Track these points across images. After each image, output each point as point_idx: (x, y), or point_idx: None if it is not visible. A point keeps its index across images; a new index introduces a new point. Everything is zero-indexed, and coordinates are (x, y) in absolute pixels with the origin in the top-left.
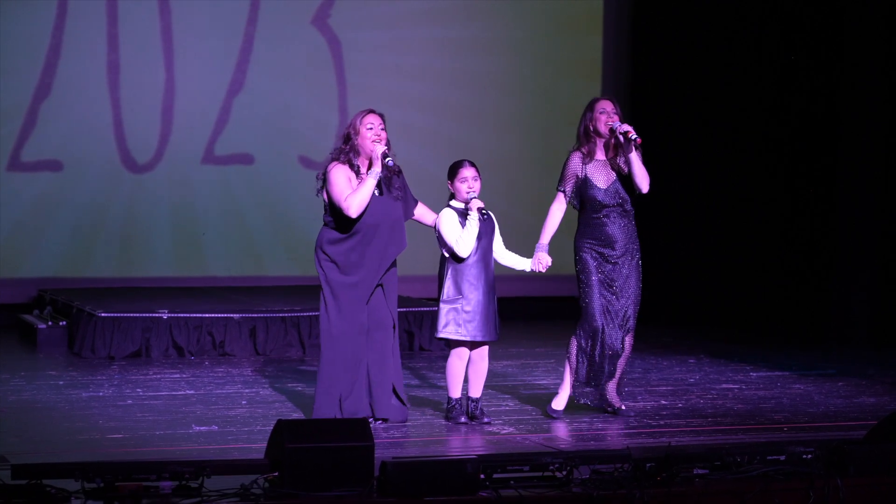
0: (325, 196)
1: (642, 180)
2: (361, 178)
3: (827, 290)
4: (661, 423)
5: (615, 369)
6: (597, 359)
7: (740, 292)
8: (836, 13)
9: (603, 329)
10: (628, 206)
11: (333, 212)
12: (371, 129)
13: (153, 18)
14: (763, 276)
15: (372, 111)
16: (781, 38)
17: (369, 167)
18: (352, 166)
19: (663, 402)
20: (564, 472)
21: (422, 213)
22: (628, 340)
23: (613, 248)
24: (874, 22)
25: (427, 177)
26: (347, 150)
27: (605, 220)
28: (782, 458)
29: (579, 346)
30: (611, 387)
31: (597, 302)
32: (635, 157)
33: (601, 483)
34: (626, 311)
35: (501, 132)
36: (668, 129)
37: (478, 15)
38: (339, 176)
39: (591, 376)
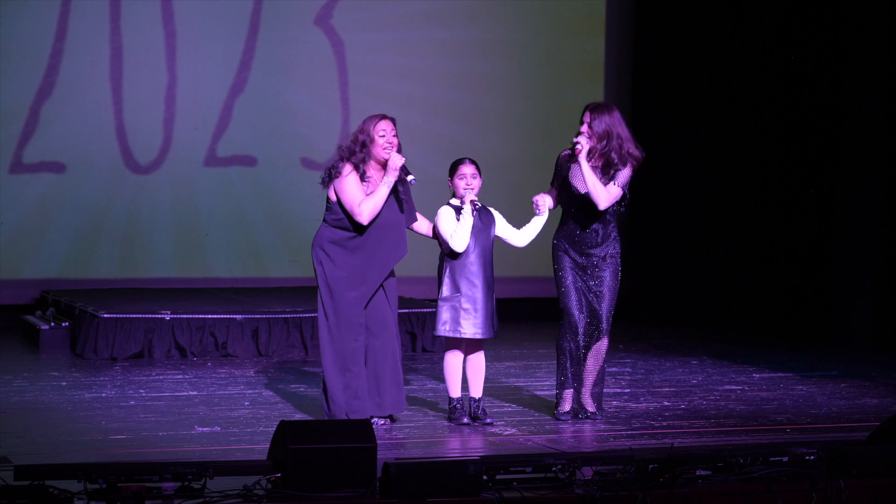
0: (331, 194)
1: (594, 196)
2: (369, 183)
3: (829, 290)
4: (664, 424)
5: (584, 372)
6: (579, 359)
7: (743, 293)
8: (837, 13)
9: (581, 327)
10: (608, 216)
11: (340, 212)
12: (383, 136)
13: (156, 19)
14: (765, 276)
15: (385, 117)
16: (783, 38)
17: (383, 172)
18: (358, 170)
19: (666, 403)
20: (567, 474)
21: (419, 223)
22: (604, 343)
23: (588, 255)
24: (876, 21)
25: (429, 178)
26: (360, 155)
27: (581, 223)
28: (785, 459)
29: (564, 350)
30: (584, 391)
31: (574, 301)
32: (583, 169)
33: (604, 484)
34: (599, 315)
35: (503, 133)
36: (671, 129)
37: (480, 16)
38: (351, 181)
39: (575, 378)
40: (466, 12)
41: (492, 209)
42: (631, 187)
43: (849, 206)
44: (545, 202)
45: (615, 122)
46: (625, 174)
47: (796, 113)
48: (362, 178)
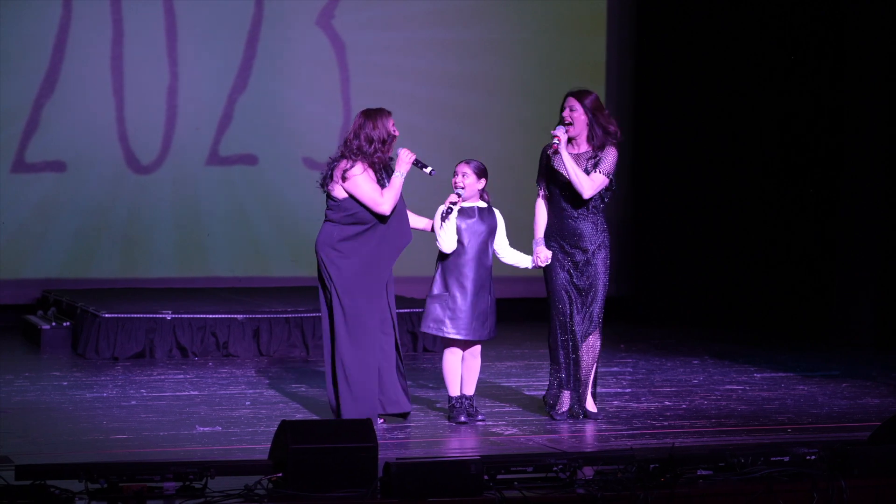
0: (336, 192)
1: (577, 185)
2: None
3: (830, 290)
4: (665, 424)
5: (582, 371)
6: (571, 354)
7: (744, 293)
8: (838, 13)
9: (572, 318)
10: (596, 203)
11: (351, 207)
12: (396, 134)
13: (157, 19)
14: (767, 277)
15: (391, 113)
16: (785, 38)
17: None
18: (374, 167)
19: (667, 402)
20: (568, 474)
21: (414, 220)
22: (597, 339)
23: (579, 248)
24: (876, 21)
25: (431, 178)
26: (379, 154)
27: (570, 215)
28: (786, 459)
29: (558, 351)
30: (584, 392)
31: (564, 299)
32: (564, 159)
33: (605, 484)
34: (592, 311)
35: (505, 134)
36: (672, 129)
37: (482, 16)
38: (367, 178)
39: (571, 379)
40: (467, 12)
41: (497, 212)
42: (632, 187)
43: (849, 206)
44: (545, 257)
45: (597, 104)
46: (609, 160)
47: (797, 113)
48: (378, 175)
